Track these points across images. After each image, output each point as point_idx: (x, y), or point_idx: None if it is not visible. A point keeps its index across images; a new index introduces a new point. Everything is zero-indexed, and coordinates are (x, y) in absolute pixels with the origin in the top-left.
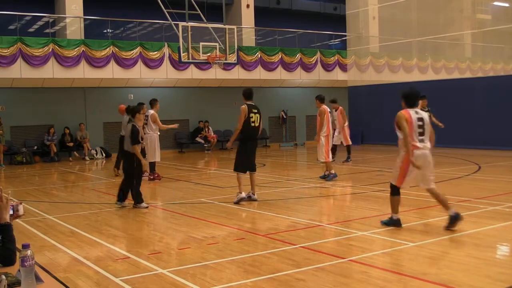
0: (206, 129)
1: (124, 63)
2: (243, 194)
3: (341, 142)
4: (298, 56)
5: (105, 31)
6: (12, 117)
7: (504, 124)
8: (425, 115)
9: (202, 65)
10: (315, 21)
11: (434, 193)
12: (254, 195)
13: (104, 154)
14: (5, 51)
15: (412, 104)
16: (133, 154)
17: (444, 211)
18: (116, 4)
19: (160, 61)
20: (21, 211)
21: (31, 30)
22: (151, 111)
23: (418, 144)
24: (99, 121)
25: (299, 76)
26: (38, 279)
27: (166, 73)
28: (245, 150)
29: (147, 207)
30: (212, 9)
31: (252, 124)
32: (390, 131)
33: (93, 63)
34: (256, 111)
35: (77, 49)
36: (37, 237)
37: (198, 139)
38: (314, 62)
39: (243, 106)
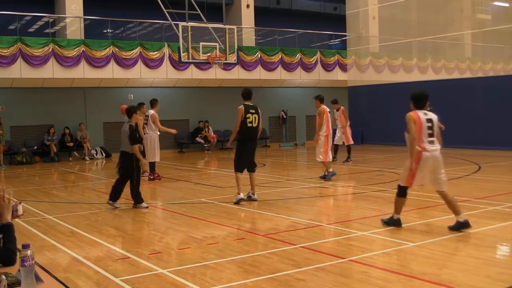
0: (206, 129)
1: (124, 63)
2: (242, 195)
3: (343, 142)
4: (298, 56)
5: (105, 31)
6: (12, 117)
7: (504, 124)
8: (434, 116)
9: (202, 65)
10: (315, 21)
11: (446, 196)
12: (254, 195)
13: (104, 154)
14: (5, 51)
15: (420, 105)
16: (131, 154)
17: (453, 215)
18: (116, 4)
19: (160, 61)
20: (20, 211)
21: (31, 30)
22: (151, 111)
23: (428, 146)
24: (99, 121)
25: (299, 76)
26: (38, 279)
27: (166, 73)
28: (243, 150)
29: (147, 207)
30: (212, 9)
31: (249, 125)
32: (390, 131)
33: (93, 63)
34: (254, 111)
35: (77, 49)
36: (37, 237)
37: (198, 139)
38: (314, 62)
39: (240, 106)
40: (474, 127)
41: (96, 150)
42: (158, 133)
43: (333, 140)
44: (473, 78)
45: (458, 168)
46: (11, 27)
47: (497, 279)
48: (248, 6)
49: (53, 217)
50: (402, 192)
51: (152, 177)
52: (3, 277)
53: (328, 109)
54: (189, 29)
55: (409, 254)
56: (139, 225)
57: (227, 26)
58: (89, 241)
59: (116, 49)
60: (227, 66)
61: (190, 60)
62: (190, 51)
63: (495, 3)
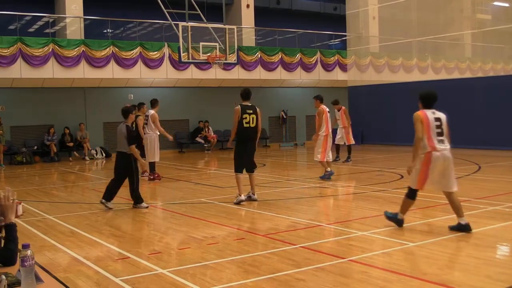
0: (206, 129)
1: (124, 63)
2: (242, 197)
3: (344, 143)
4: (298, 56)
5: (105, 31)
6: (12, 117)
7: (504, 124)
8: (442, 115)
9: (202, 65)
10: (315, 21)
11: (452, 197)
12: (254, 195)
13: (104, 154)
14: (5, 51)
15: (428, 105)
16: (129, 155)
17: (454, 216)
18: (116, 4)
19: (160, 61)
20: (20, 211)
21: (31, 30)
22: (152, 111)
23: (437, 145)
24: (99, 121)
25: (299, 76)
26: (38, 279)
27: (166, 73)
28: (243, 150)
29: (147, 207)
30: (212, 9)
31: (246, 125)
32: (390, 131)
33: (93, 63)
34: (251, 111)
35: (77, 49)
36: (37, 237)
37: (198, 139)
38: (314, 62)
39: (237, 107)
40: (474, 127)
41: (96, 150)
42: (158, 133)
43: (334, 140)
44: (473, 78)
45: (458, 168)
46: (11, 27)
47: (497, 279)
48: (248, 6)
49: (53, 217)
50: (412, 194)
51: (152, 177)
52: (3, 277)
53: (327, 109)
54: (189, 29)
55: (409, 254)
56: (139, 225)
57: (227, 26)
58: (89, 241)
59: (116, 49)
60: (227, 66)
61: (190, 60)
62: (190, 51)
63: (495, 3)
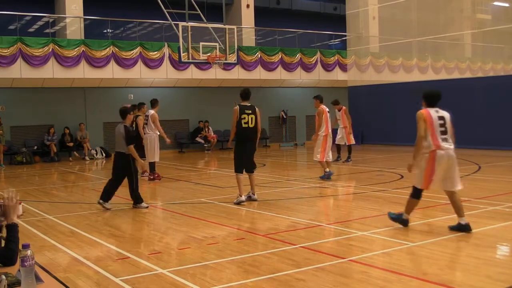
0: (206, 129)
1: (124, 63)
2: (243, 198)
3: (345, 143)
4: (298, 56)
5: (105, 31)
6: (12, 117)
7: (504, 124)
8: (446, 114)
9: (202, 65)
10: (315, 21)
11: (453, 196)
12: (254, 195)
13: (104, 154)
14: (5, 51)
15: (432, 103)
16: (128, 155)
17: (455, 216)
18: (116, 4)
19: (160, 61)
20: (20, 211)
21: (31, 30)
22: (152, 111)
23: (442, 144)
24: (99, 121)
25: (299, 76)
26: (38, 279)
27: (166, 73)
28: (242, 150)
29: (147, 207)
30: (212, 9)
31: (245, 125)
32: (390, 131)
33: (93, 63)
34: (250, 111)
35: (77, 49)
36: (37, 237)
37: (198, 139)
38: (314, 62)
39: (235, 107)
40: (474, 127)
41: (96, 150)
42: (158, 133)
43: (334, 140)
44: (473, 78)
45: (458, 168)
46: (11, 27)
47: (497, 279)
48: (248, 6)
49: (53, 217)
50: (416, 193)
51: (152, 177)
52: (3, 277)
53: (327, 109)
54: (189, 29)
55: (409, 254)
56: (139, 225)
57: (227, 26)
58: (89, 241)
59: (116, 49)
60: (227, 66)
61: (190, 60)
62: (190, 51)
63: (495, 3)
